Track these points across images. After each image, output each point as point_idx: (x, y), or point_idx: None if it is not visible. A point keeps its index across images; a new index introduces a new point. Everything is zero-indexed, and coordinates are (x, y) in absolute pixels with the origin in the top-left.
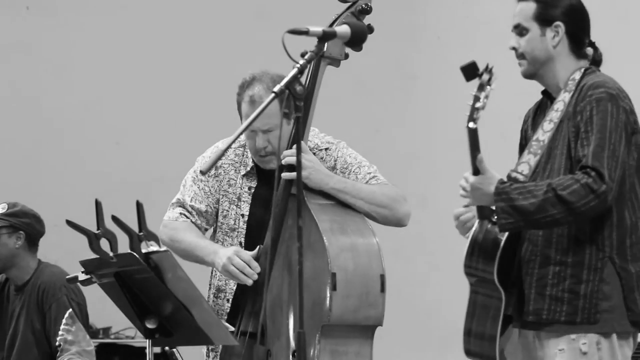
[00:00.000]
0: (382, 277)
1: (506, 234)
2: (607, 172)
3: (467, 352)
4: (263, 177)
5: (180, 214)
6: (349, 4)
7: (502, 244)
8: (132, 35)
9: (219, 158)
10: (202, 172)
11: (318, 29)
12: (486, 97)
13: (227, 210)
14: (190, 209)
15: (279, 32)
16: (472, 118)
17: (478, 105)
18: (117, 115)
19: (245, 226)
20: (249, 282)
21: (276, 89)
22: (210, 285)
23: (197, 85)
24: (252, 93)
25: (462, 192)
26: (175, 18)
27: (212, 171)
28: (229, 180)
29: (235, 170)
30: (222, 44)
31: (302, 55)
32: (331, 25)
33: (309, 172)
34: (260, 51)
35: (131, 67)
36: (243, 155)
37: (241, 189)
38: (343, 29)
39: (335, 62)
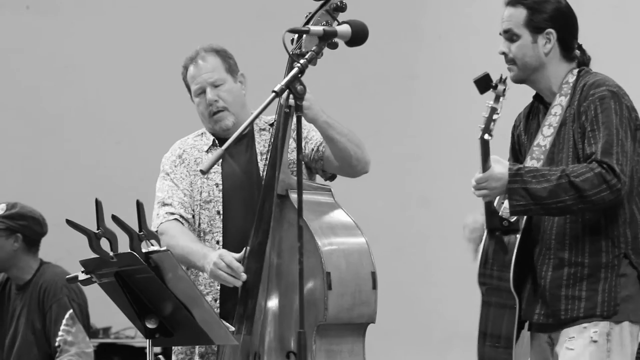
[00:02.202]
0: (373, 274)
1: (517, 241)
2: (617, 167)
3: (482, 359)
4: (228, 149)
5: (167, 212)
6: (322, 1)
7: (515, 250)
8: (133, 34)
9: (219, 158)
10: (203, 172)
11: (319, 28)
12: (501, 108)
13: (201, 186)
14: (170, 201)
15: (280, 32)
16: (487, 130)
17: (495, 117)
18: (118, 115)
19: (220, 194)
20: (238, 283)
21: (277, 88)
22: None
23: None
24: (195, 57)
25: (474, 188)
26: (176, 18)
27: (177, 160)
28: (195, 160)
29: (198, 150)
30: (223, 44)
31: (303, 55)
32: (305, 24)
33: (310, 103)
34: (262, 51)
35: (132, 66)
36: (202, 140)
37: None
38: (344, 29)
39: (312, 61)
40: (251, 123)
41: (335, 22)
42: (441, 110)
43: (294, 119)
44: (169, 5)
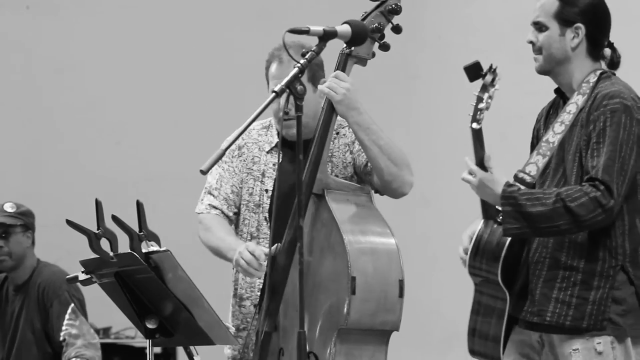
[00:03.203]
0: (401, 282)
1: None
2: (615, 187)
3: (472, 352)
4: (286, 153)
5: (209, 205)
6: (377, 2)
7: (506, 244)
8: (132, 34)
9: (220, 158)
10: (203, 172)
11: (319, 28)
12: (490, 97)
13: (252, 187)
14: (216, 193)
15: (281, 32)
16: (475, 119)
17: (481, 106)
18: (117, 115)
19: (268, 201)
20: (258, 274)
21: (277, 88)
22: (234, 293)
23: (198, 85)
24: (281, 54)
25: (465, 173)
26: (176, 17)
27: (236, 151)
28: (253, 158)
29: (259, 148)
30: (223, 44)
31: (303, 55)
32: None
33: (342, 97)
34: (262, 51)
35: (132, 66)
36: (266, 135)
37: (265, 165)
38: (344, 29)
39: (362, 62)
40: (250, 124)
41: (390, 25)
42: (441, 110)
43: (336, 118)
44: (169, 6)
